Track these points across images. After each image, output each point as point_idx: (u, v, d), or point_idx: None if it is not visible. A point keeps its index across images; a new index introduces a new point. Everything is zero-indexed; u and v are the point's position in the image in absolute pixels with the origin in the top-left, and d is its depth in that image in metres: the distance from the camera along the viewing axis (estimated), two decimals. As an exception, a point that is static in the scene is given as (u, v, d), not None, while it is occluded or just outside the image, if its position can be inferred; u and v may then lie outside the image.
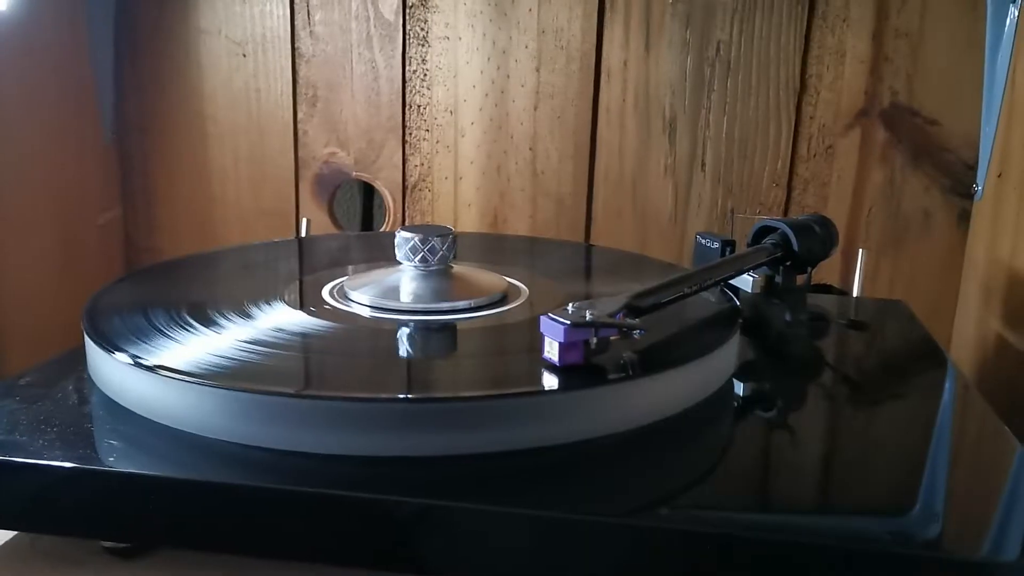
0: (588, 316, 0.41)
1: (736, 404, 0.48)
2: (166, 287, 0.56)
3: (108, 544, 0.43)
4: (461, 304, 0.51)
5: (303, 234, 0.76)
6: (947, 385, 0.53)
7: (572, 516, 0.35)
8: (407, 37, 0.87)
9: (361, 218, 0.98)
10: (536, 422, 0.39)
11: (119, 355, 0.42)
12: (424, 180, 0.90)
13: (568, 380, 0.40)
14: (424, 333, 0.49)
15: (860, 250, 0.73)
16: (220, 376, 0.40)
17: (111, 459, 0.38)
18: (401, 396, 0.39)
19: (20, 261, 0.80)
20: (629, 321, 0.42)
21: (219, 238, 0.93)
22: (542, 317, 0.41)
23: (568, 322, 0.40)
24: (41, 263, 0.83)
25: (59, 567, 0.42)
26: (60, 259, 0.85)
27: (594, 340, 0.41)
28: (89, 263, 0.90)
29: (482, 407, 0.39)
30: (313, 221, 0.90)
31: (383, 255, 0.62)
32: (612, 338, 0.42)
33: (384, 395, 0.39)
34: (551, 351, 0.41)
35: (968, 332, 0.81)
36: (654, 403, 0.43)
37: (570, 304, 0.42)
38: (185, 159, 0.93)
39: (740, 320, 0.51)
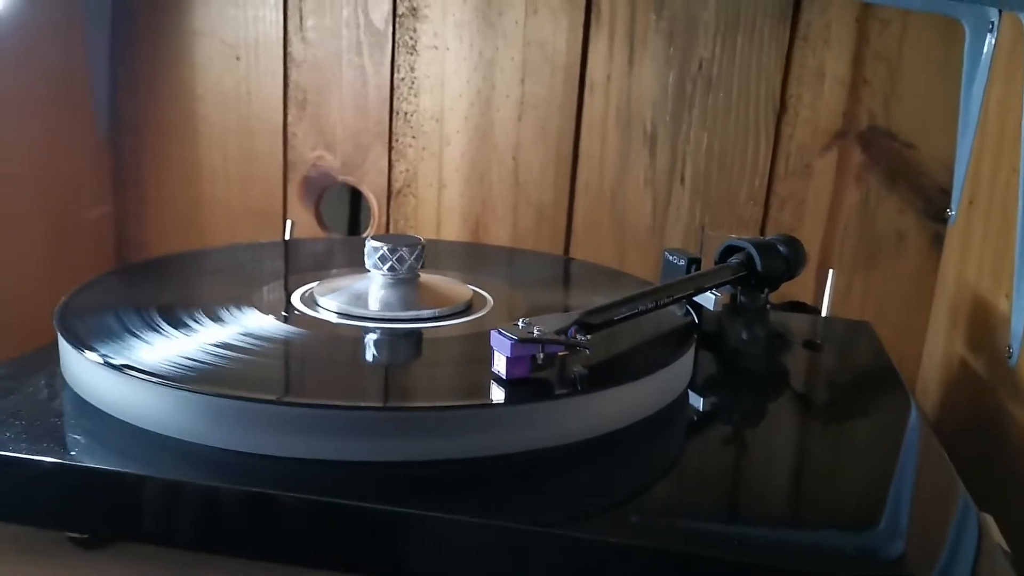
0: (535, 332, 0.42)
1: (686, 419, 0.50)
2: (140, 288, 0.58)
3: (72, 534, 0.45)
4: (425, 313, 0.53)
5: (286, 236, 0.77)
6: (895, 409, 0.54)
7: (503, 524, 0.36)
8: (396, 45, 0.88)
9: (348, 221, 1.00)
10: (478, 433, 0.41)
11: (87, 353, 0.44)
12: (409, 186, 0.91)
13: (512, 393, 0.42)
14: (385, 341, 0.51)
15: (830, 270, 0.74)
16: (183, 378, 0.42)
17: (73, 453, 0.40)
18: (337, 404, 0.40)
19: (8, 255, 0.81)
20: (575, 339, 0.44)
21: (207, 236, 0.95)
22: (492, 332, 0.43)
23: (515, 337, 0.42)
24: (30, 257, 0.85)
25: (25, 554, 0.44)
26: (50, 254, 0.87)
27: (541, 355, 0.43)
28: (79, 258, 0.92)
29: (424, 417, 0.40)
30: (300, 223, 0.92)
31: (359, 260, 0.64)
32: (560, 354, 0.44)
33: (322, 401, 0.41)
34: (499, 365, 0.43)
35: (936, 354, 0.82)
36: (601, 417, 0.44)
37: (520, 320, 0.44)
38: (176, 158, 0.95)
39: (695, 337, 0.52)
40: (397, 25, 0.88)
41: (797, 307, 0.77)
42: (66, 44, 0.88)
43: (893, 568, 0.36)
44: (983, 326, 0.71)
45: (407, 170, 0.91)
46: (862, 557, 0.36)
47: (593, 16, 0.85)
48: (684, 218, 0.88)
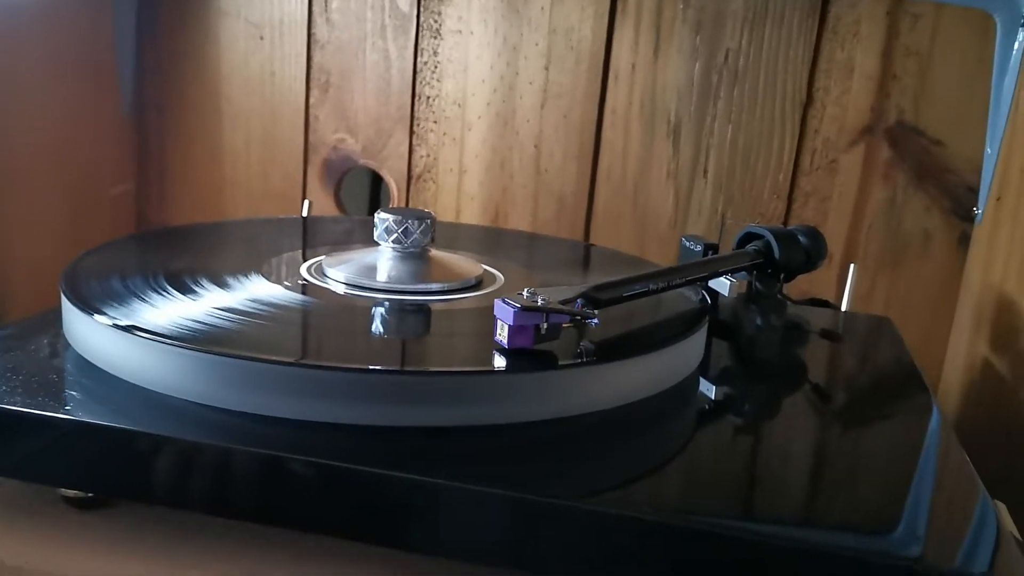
0: (539, 301, 0.42)
1: (695, 403, 0.48)
2: (148, 255, 0.58)
3: (70, 494, 0.44)
4: (433, 287, 0.52)
5: (304, 215, 0.77)
6: (914, 404, 0.53)
7: (485, 490, 0.35)
8: (420, 29, 0.88)
9: (368, 205, 0.99)
10: (480, 400, 0.40)
11: (92, 314, 0.44)
12: (429, 171, 0.91)
13: (512, 362, 0.41)
14: (390, 312, 0.50)
15: (851, 265, 0.73)
16: (187, 339, 0.42)
17: (68, 408, 0.39)
18: (331, 365, 0.40)
19: (28, 230, 0.82)
20: (580, 309, 0.43)
21: (227, 216, 0.95)
22: (496, 300, 0.42)
23: (518, 305, 0.41)
24: (50, 232, 0.85)
25: (18, 514, 0.44)
26: (70, 229, 0.87)
27: (544, 326, 0.42)
28: (99, 235, 0.92)
29: (423, 382, 0.40)
30: (319, 206, 0.92)
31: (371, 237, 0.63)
32: (564, 325, 0.43)
33: (315, 362, 0.40)
34: (502, 333, 0.42)
35: (959, 354, 0.81)
36: (604, 391, 0.43)
37: (526, 289, 0.43)
38: (199, 137, 0.95)
39: (707, 318, 0.51)
40: (422, 8, 0.87)
41: (818, 305, 0.76)
42: (93, 22, 0.88)
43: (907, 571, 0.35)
44: (1007, 327, 0.70)
45: (428, 155, 0.90)
46: (876, 558, 0.35)
47: (619, 4, 0.84)
48: (706, 212, 0.87)
